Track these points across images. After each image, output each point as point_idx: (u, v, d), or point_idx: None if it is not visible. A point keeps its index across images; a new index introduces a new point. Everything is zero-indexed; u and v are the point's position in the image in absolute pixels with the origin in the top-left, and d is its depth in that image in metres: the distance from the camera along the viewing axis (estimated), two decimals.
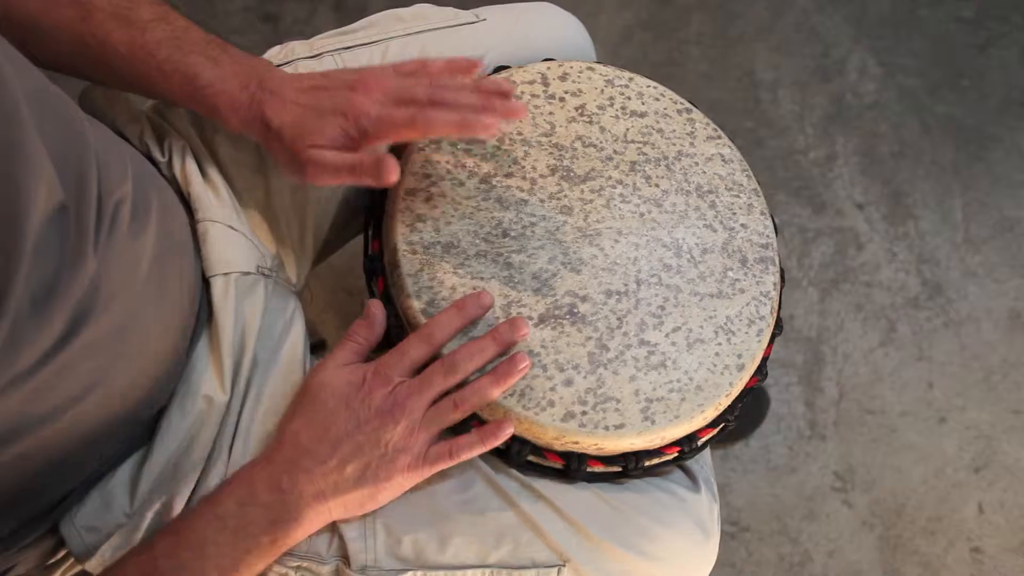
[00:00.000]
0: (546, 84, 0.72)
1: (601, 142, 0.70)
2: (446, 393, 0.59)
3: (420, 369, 0.60)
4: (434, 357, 0.60)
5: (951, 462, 1.30)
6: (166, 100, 0.65)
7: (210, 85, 0.60)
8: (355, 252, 0.73)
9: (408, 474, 0.58)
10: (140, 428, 0.60)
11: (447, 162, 0.67)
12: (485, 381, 0.58)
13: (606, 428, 0.60)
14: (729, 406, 0.65)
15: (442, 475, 0.64)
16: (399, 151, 0.69)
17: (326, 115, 0.59)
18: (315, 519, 0.56)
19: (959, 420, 1.32)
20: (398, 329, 0.63)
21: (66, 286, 0.46)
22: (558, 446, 0.61)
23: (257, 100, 0.60)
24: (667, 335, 0.63)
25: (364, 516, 0.62)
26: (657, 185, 0.69)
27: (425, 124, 0.58)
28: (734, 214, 0.69)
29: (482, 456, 0.65)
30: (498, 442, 0.58)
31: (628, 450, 0.62)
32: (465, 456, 0.58)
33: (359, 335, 0.62)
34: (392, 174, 0.57)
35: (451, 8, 0.79)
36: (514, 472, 0.65)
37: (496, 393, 0.58)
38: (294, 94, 0.60)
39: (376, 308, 0.63)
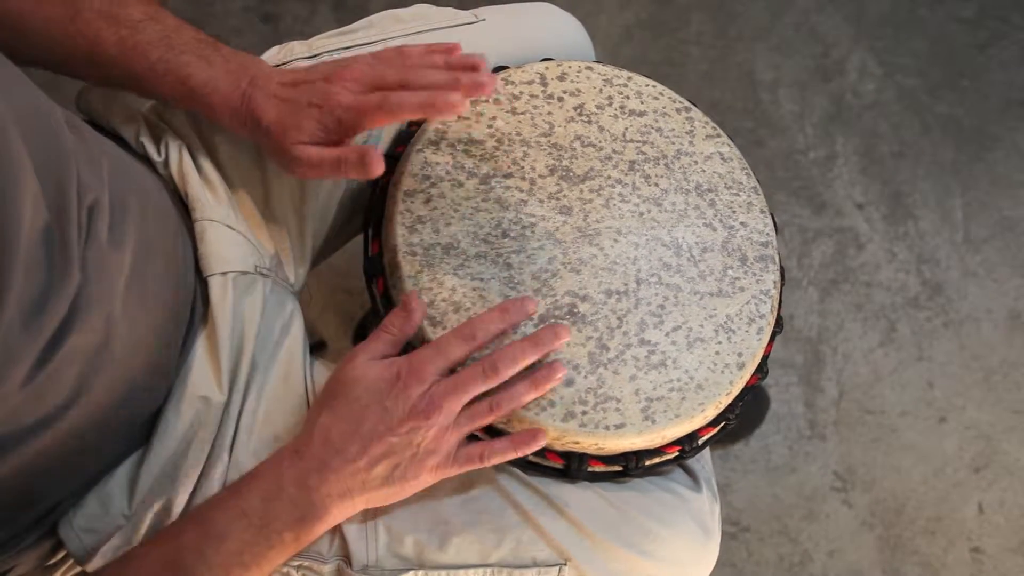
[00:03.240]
0: (544, 84, 0.72)
1: (600, 141, 0.70)
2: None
3: (453, 370, 0.59)
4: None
5: (951, 462, 1.29)
6: (159, 98, 0.65)
7: (204, 85, 0.60)
8: (355, 252, 0.72)
9: (435, 473, 0.57)
10: (136, 429, 0.60)
11: (446, 163, 0.67)
12: (523, 387, 0.57)
13: (606, 428, 0.60)
14: (730, 405, 0.65)
15: None
16: (398, 155, 0.69)
17: (303, 108, 0.59)
18: (339, 515, 0.55)
19: (959, 420, 1.32)
20: None
21: (54, 300, 0.46)
22: (558, 446, 0.61)
23: (248, 97, 0.60)
24: (667, 334, 0.63)
25: (365, 516, 0.62)
26: (656, 184, 0.69)
27: (393, 107, 0.58)
28: (733, 212, 0.69)
29: None
30: (530, 450, 0.58)
31: (629, 449, 0.62)
32: (496, 461, 0.58)
33: (395, 327, 0.60)
34: (377, 166, 0.57)
35: (450, 8, 0.79)
36: (515, 471, 0.64)
37: (531, 398, 0.57)
38: (277, 88, 0.61)
39: (415, 301, 0.60)
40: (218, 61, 0.61)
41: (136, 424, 0.60)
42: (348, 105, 0.59)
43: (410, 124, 0.72)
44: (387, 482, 0.55)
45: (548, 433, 0.60)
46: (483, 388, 0.57)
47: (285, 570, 0.61)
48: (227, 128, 0.63)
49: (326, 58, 0.73)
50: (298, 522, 0.54)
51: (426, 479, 0.57)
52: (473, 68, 0.61)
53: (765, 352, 0.66)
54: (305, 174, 0.61)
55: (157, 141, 0.67)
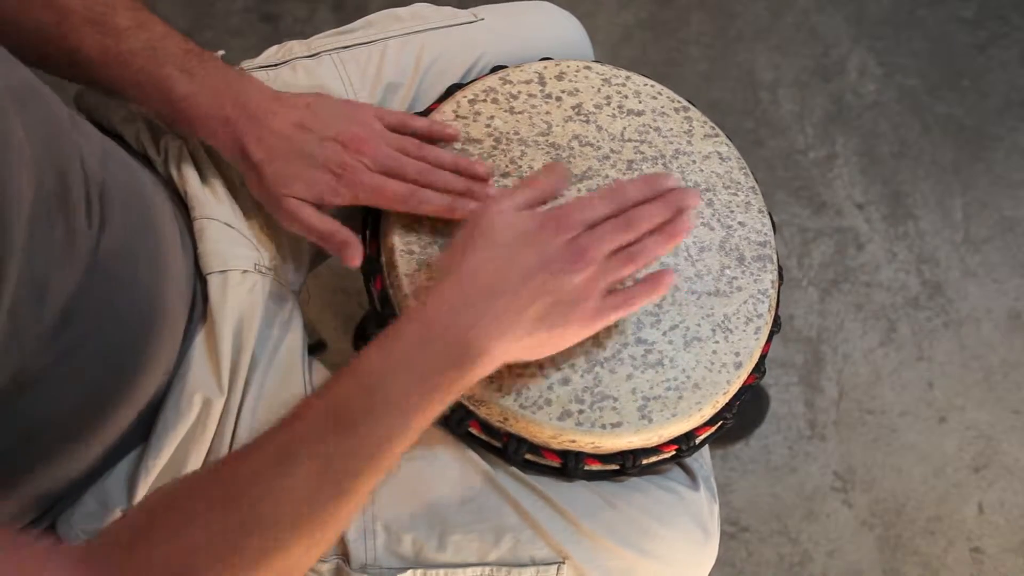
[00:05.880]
0: (543, 83, 0.72)
1: (598, 141, 0.70)
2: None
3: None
4: None
5: (951, 462, 1.29)
6: (142, 107, 0.65)
7: (183, 99, 0.60)
8: None
9: (584, 323, 0.56)
10: (136, 422, 0.60)
11: None
12: (656, 239, 0.57)
13: (603, 427, 0.60)
14: (727, 404, 0.65)
15: (442, 472, 0.64)
16: None
17: (316, 167, 0.61)
18: (496, 359, 0.53)
19: (959, 420, 1.32)
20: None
21: (59, 280, 0.47)
22: (555, 445, 0.61)
23: (233, 122, 0.60)
24: (664, 333, 0.63)
25: (364, 515, 0.62)
26: None
27: (417, 204, 0.62)
28: (732, 212, 0.69)
29: (481, 454, 0.65)
30: (664, 290, 0.58)
31: (625, 448, 0.62)
32: (641, 303, 0.58)
33: (543, 182, 0.60)
34: (354, 260, 0.62)
35: (449, 8, 0.79)
36: (513, 470, 0.65)
37: (668, 248, 0.58)
38: (279, 125, 0.61)
39: (562, 164, 0.60)
40: (201, 75, 0.61)
41: (136, 412, 0.59)
42: (372, 187, 0.62)
43: None
44: (538, 326, 0.54)
45: (544, 431, 0.60)
46: (623, 240, 0.56)
47: None
48: (207, 143, 0.63)
49: (325, 58, 0.74)
50: (455, 364, 0.51)
51: (575, 331, 0.56)
52: (480, 179, 0.65)
53: (763, 352, 0.66)
54: (286, 224, 0.63)
55: (156, 141, 0.68)
